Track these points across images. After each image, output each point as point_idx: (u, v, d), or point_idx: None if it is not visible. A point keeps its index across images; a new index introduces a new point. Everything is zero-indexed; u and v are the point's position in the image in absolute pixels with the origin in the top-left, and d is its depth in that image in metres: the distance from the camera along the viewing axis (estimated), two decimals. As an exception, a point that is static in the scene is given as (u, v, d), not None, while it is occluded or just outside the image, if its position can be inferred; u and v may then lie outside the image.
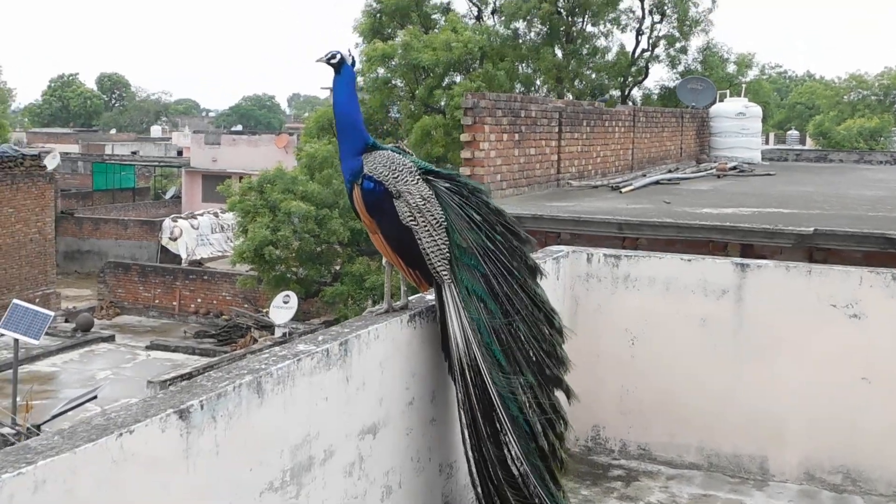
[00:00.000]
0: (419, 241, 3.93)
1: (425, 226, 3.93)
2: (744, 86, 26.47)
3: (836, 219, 10.26)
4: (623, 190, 13.82)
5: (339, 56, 4.25)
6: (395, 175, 4.01)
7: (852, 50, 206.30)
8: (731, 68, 33.15)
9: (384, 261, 4.25)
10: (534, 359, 4.02)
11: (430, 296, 4.20)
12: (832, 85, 69.78)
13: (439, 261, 3.92)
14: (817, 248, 9.80)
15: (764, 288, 5.25)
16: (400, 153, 4.15)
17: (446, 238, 3.94)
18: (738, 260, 5.49)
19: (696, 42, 31.31)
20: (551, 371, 4.10)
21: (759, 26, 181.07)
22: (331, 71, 4.28)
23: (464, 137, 11.98)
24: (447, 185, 4.07)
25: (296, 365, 3.21)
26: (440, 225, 3.94)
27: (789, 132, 56.20)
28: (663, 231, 9.96)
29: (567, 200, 12.10)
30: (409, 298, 4.17)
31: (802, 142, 57.84)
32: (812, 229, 9.26)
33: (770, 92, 47.35)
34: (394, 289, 4.30)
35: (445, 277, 3.92)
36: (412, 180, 4.00)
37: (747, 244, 10.05)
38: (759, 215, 10.58)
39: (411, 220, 3.94)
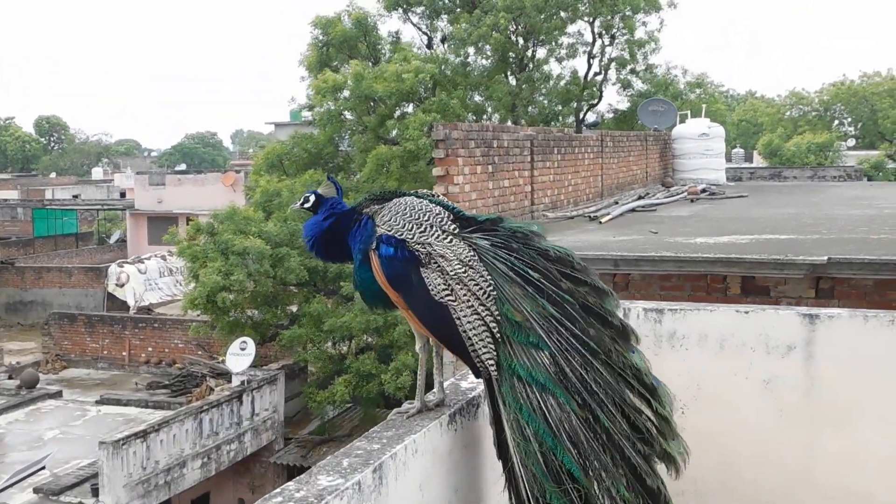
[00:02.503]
0: (458, 322, 3.01)
1: (467, 300, 3.00)
2: (704, 106, 26.07)
3: (841, 244, 9.61)
4: (602, 220, 13.12)
5: (312, 198, 3.48)
6: (423, 232, 3.10)
7: (792, 68, 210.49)
8: (681, 88, 32.88)
9: (418, 345, 3.31)
10: (624, 463, 3.01)
11: (467, 383, 3.34)
12: (773, 103, 70.57)
13: (484, 346, 2.98)
14: (823, 278, 9.17)
15: (838, 342, 4.47)
16: (425, 198, 3.29)
17: (496, 312, 3.01)
18: (805, 310, 4.70)
19: (645, 63, 30.99)
20: (651, 481, 3.09)
21: (701, 47, 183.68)
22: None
23: (436, 171, 11.19)
24: (489, 236, 3.15)
25: (322, 512, 2.34)
26: (488, 297, 3.01)
27: (735, 150, 56.42)
28: (662, 266, 9.24)
29: (549, 235, 11.30)
30: (446, 391, 3.30)
31: (749, 159, 58.19)
32: (826, 258, 8.58)
33: (725, 111, 47.47)
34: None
35: (493, 370, 2.99)
36: (446, 238, 3.09)
37: (749, 276, 9.38)
38: (759, 244, 9.91)
39: (447, 295, 3.02)
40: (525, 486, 2.92)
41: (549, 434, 2.92)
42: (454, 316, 3.03)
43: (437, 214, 3.18)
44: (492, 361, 2.99)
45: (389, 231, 3.15)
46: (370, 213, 3.28)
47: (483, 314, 3.01)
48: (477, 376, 3.13)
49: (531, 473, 2.90)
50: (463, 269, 3.04)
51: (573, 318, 3.04)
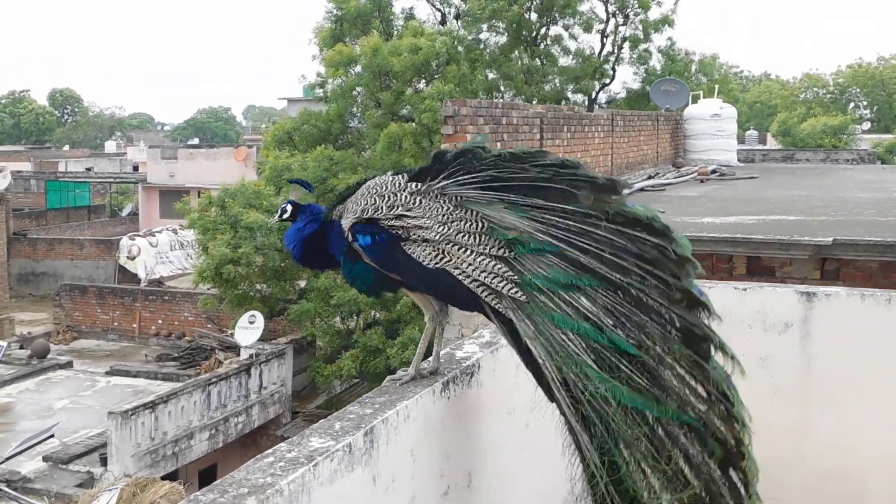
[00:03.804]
0: (463, 279, 2.92)
1: (459, 256, 2.92)
2: (717, 87, 25.92)
3: (848, 226, 9.60)
4: (610, 199, 13.10)
5: (289, 209, 3.42)
6: (390, 206, 3.04)
7: (807, 50, 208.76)
8: (694, 69, 32.73)
9: (427, 317, 3.26)
10: (668, 322, 2.87)
11: (462, 352, 3.38)
12: (788, 85, 70.14)
13: (500, 282, 2.88)
14: (828, 259, 9.17)
15: (835, 320, 4.49)
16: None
17: (492, 245, 2.90)
18: (803, 288, 4.72)
19: (658, 42, 30.84)
20: (699, 330, 2.96)
21: (715, 28, 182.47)
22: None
23: (444, 147, 11.20)
24: (451, 173, 3.04)
25: (312, 472, 2.39)
26: (478, 238, 2.91)
27: (748, 132, 56.14)
28: (669, 244, 9.24)
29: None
30: (441, 360, 3.33)
31: (762, 141, 57.95)
32: (831, 239, 8.58)
33: (737, 92, 47.23)
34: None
35: (520, 297, 2.86)
36: (417, 201, 3.02)
37: (754, 256, 9.39)
38: (766, 224, 9.90)
39: (442, 259, 2.95)
40: (584, 396, 2.80)
41: (588, 323, 2.81)
42: (456, 275, 2.95)
43: (395, 183, 3.11)
44: (515, 290, 2.88)
45: (356, 218, 3.11)
46: (338, 214, 3.25)
47: (481, 258, 2.92)
48: (499, 320, 2.98)
49: (582, 377, 2.79)
50: (446, 228, 2.96)
51: (557, 199, 2.94)
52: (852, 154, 37.41)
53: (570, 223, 2.90)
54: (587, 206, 2.92)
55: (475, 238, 2.93)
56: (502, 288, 2.89)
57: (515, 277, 2.88)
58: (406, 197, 3.05)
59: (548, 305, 2.84)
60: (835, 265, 9.12)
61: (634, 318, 2.83)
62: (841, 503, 4.49)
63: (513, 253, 2.89)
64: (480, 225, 2.93)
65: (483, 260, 2.91)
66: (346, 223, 3.16)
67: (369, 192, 3.14)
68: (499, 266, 2.90)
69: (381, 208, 3.06)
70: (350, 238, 3.14)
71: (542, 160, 3.04)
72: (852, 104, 66.55)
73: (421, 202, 3.03)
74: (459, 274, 2.94)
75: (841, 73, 66.64)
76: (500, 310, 2.91)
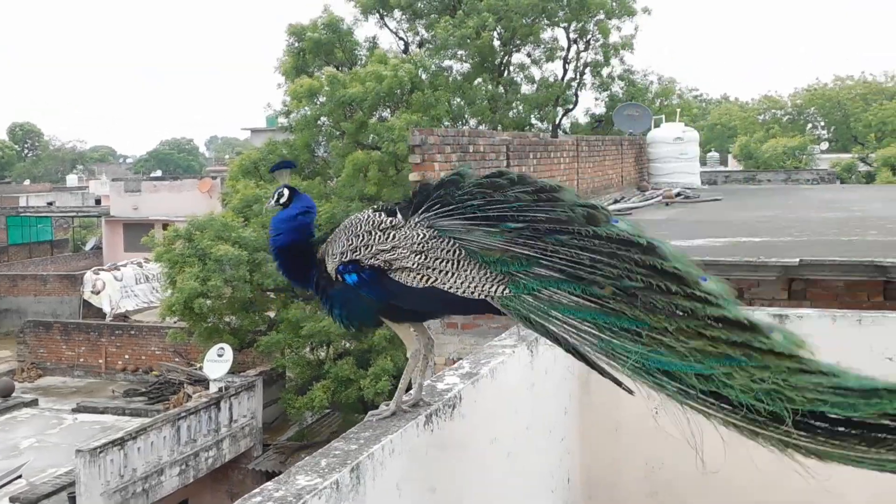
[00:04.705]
0: (453, 290, 3.02)
1: (445, 273, 3.02)
2: (679, 110, 26.26)
3: (813, 246, 9.75)
4: (578, 224, 13.19)
5: (286, 192, 3.44)
6: (367, 241, 3.12)
7: (765, 73, 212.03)
8: (655, 93, 33.08)
9: (409, 352, 3.29)
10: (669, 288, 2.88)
11: (443, 384, 3.39)
12: (747, 107, 71.11)
13: (488, 286, 2.98)
14: (795, 279, 9.30)
15: (807, 341, 4.53)
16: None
17: (476, 267, 3.00)
18: (775, 310, 4.78)
19: (619, 68, 31.15)
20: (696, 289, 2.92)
21: (675, 51, 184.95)
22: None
23: (412, 177, 11.24)
24: (428, 207, 3.13)
25: (301, 511, 2.38)
26: (458, 263, 3.02)
27: (710, 154, 56.82)
28: (638, 269, 9.32)
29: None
30: (423, 392, 3.34)
31: (724, 163, 58.63)
32: (797, 260, 8.70)
33: (698, 115, 47.86)
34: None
35: (504, 292, 2.96)
36: (390, 236, 3.11)
37: (723, 279, 9.49)
38: (733, 246, 10.02)
39: (426, 280, 3.04)
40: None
41: (594, 311, 2.88)
42: (445, 289, 3.02)
43: (369, 220, 3.18)
44: (500, 288, 2.96)
45: (336, 260, 3.17)
46: (321, 255, 3.29)
47: (468, 271, 3.00)
48: (499, 313, 3.05)
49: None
50: (423, 258, 3.04)
51: (538, 219, 3.00)
52: (812, 174, 37.96)
53: (554, 241, 2.96)
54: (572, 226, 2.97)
55: (454, 264, 3.01)
56: (496, 292, 2.96)
57: (506, 280, 2.96)
58: (380, 235, 3.12)
59: (545, 298, 2.92)
60: (802, 285, 9.25)
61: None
62: (820, 523, 4.53)
63: (496, 272, 2.97)
64: (459, 252, 3.01)
65: (469, 275, 2.99)
66: (330, 267, 3.20)
67: (346, 233, 3.20)
68: (485, 275, 2.98)
69: (359, 249, 3.13)
70: (338, 279, 3.18)
71: (524, 186, 3.08)
72: (810, 125, 67.60)
73: (396, 236, 3.10)
74: (450, 288, 3.02)
75: (798, 94, 67.70)
76: (499, 302, 2.98)
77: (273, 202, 3.46)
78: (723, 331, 2.84)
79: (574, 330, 2.89)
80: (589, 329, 2.87)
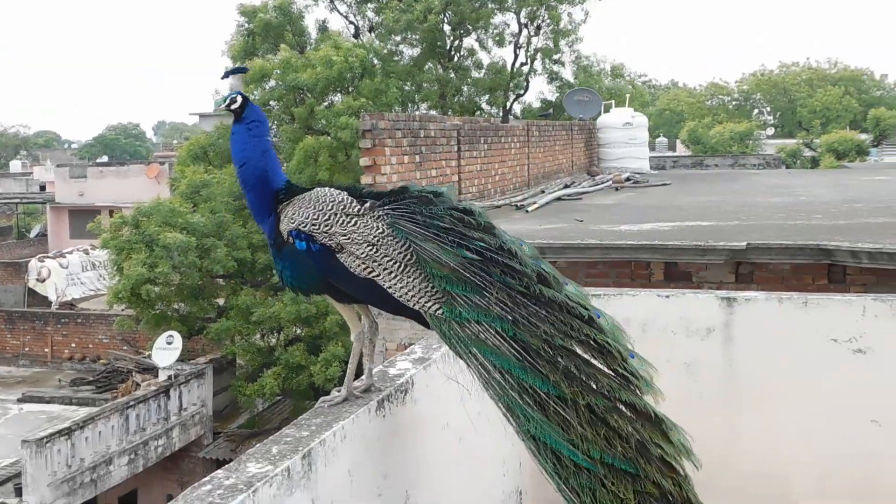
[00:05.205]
0: (390, 290, 3.10)
1: (388, 271, 3.10)
2: (628, 95, 26.42)
3: (760, 230, 9.88)
4: (529, 209, 13.26)
5: (239, 99, 3.41)
6: (328, 220, 3.17)
7: (712, 59, 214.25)
8: (605, 79, 33.23)
9: (353, 335, 3.32)
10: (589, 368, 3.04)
11: (395, 369, 3.38)
12: (695, 93, 71.83)
13: (425, 299, 3.08)
14: (742, 263, 9.42)
15: (755, 324, 4.61)
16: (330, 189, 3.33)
17: (421, 275, 3.08)
18: (724, 293, 4.84)
19: (570, 53, 31.21)
20: (621, 367, 3.10)
21: (623, 37, 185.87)
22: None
23: (363, 161, 11.18)
24: (395, 206, 3.21)
25: (251, 499, 2.36)
26: (405, 266, 3.09)
27: (658, 139, 57.35)
28: (588, 253, 9.39)
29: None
30: (374, 378, 3.33)
31: (672, 148, 59.25)
32: (745, 244, 8.83)
33: (647, 100, 48.25)
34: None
35: (439, 312, 3.06)
36: (350, 222, 3.16)
37: (672, 262, 9.59)
38: (682, 230, 10.13)
39: (368, 272, 3.11)
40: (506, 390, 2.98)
41: (511, 361, 2.97)
42: (384, 287, 3.11)
43: (339, 202, 3.22)
44: (436, 307, 3.05)
45: (295, 224, 3.21)
46: (280, 210, 3.31)
47: (411, 278, 3.08)
48: (426, 326, 3.16)
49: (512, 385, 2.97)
50: (374, 249, 3.11)
51: (494, 261, 3.10)
52: (759, 159, 38.53)
53: (502, 282, 3.07)
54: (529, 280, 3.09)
55: (400, 266, 3.09)
56: (429, 307, 3.06)
57: (443, 300, 3.05)
58: (344, 219, 3.18)
59: (471, 333, 3.02)
60: (749, 268, 9.39)
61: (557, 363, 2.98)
62: (768, 503, 4.60)
63: (437, 288, 3.06)
64: (411, 257, 3.10)
65: (410, 282, 3.08)
66: (283, 227, 3.24)
67: (312, 205, 3.23)
68: (426, 287, 3.07)
69: (319, 225, 3.18)
70: (288, 239, 3.22)
71: (491, 236, 3.19)
72: (756, 110, 68.54)
73: (356, 222, 3.16)
74: (388, 288, 3.11)
75: (745, 80, 68.56)
76: (429, 318, 3.08)
77: (224, 105, 3.43)
78: (626, 424, 2.96)
79: (486, 373, 2.99)
80: (498, 379, 2.96)
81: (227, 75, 3.56)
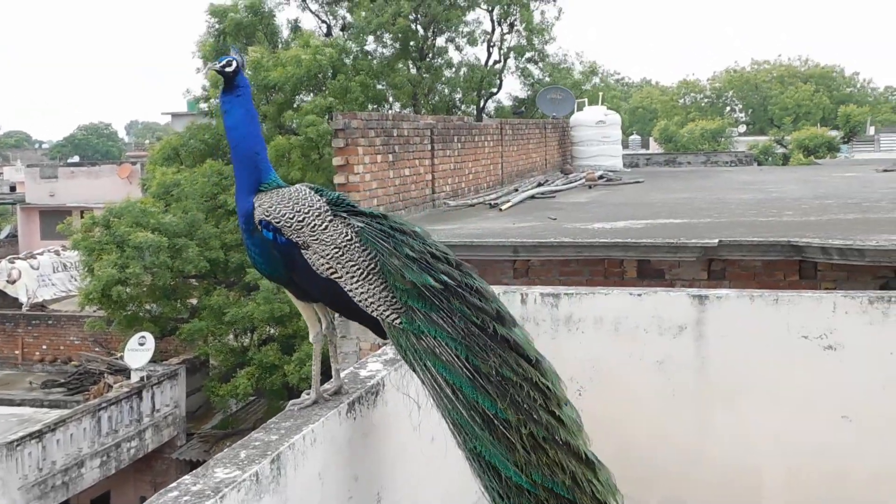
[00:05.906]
0: (350, 294, 3.13)
1: (351, 276, 3.12)
2: (601, 94, 26.49)
3: (731, 227, 9.93)
4: (502, 207, 13.25)
5: (235, 63, 3.45)
6: (300, 219, 3.19)
7: (685, 57, 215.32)
8: (578, 77, 33.29)
9: (311, 335, 3.32)
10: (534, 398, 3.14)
11: (367, 371, 3.35)
12: (668, 90, 72.14)
13: (384, 308, 3.13)
14: (715, 260, 9.46)
15: (726, 321, 4.63)
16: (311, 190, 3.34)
17: (383, 284, 3.12)
18: (696, 291, 4.85)
19: (542, 51, 31.22)
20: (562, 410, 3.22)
21: (597, 35, 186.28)
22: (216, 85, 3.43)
23: (336, 161, 11.13)
24: (365, 220, 3.26)
25: (219, 504, 2.32)
26: (368, 274, 3.13)
27: (631, 137, 57.57)
28: (561, 251, 9.39)
29: (450, 222, 11.41)
30: (343, 379, 3.30)
31: (645, 145, 59.49)
32: (716, 241, 8.86)
33: (619, 98, 48.46)
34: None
35: (397, 322, 3.10)
36: (320, 224, 3.18)
37: (644, 260, 9.61)
38: (654, 228, 10.16)
39: (331, 272, 3.13)
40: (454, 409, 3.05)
41: (462, 379, 3.04)
42: (345, 289, 3.14)
43: (314, 204, 3.24)
44: (394, 316, 3.10)
45: (267, 216, 3.23)
46: (257, 198, 3.32)
47: (373, 286, 3.12)
48: (381, 336, 3.22)
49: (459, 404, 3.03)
50: (340, 252, 3.14)
51: (455, 294, 3.16)
52: (731, 156, 38.75)
53: (460, 311, 3.15)
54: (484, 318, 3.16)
55: (364, 273, 3.14)
56: (388, 316, 3.12)
57: (403, 310, 3.12)
58: (315, 222, 3.20)
59: (427, 346, 3.09)
60: (721, 266, 9.42)
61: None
62: (739, 497, 4.62)
63: (397, 300, 3.12)
64: (375, 266, 3.14)
65: (371, 289, 3.13)
66: (256, 215, 3.27)
67: (286, 202, 3.25)
68: (387, 297, 3.13)
69: (289, 222, 3.20)
70: (257, 226, 3.25)
71: (459, 272, 3.26)
72: (728, 108, 68.92)
73: (326, 226, 3.19)
74: (349, 291, 3.15)
75: (717, 77, 68.93)
76: (387, 326, 3.14)
77: (220, 66, 3.47)
78: (563, 456, 3.06)
79: (437, 387, 3.05)
80: (449, 394, 3.03)
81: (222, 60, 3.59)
